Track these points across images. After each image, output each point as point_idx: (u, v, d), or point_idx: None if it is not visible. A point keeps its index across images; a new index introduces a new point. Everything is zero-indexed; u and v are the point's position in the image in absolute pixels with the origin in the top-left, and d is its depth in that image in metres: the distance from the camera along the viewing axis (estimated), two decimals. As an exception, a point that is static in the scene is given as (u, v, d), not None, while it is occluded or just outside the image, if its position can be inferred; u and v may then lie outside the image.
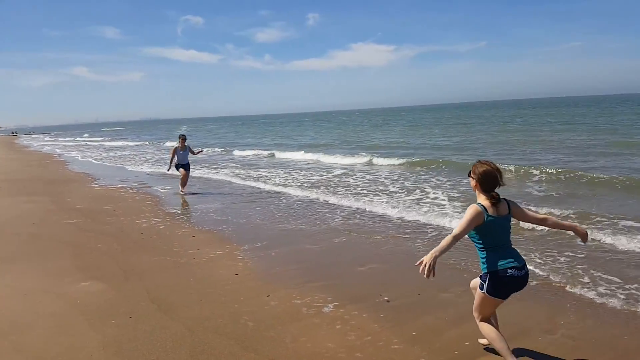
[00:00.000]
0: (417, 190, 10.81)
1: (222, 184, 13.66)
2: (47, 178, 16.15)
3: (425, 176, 13.27)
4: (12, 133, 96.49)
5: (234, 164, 19.66)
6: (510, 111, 71.07)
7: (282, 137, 41.53)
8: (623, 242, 6.02)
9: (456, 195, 9.78)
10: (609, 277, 4.97)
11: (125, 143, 42.19)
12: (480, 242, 3.14)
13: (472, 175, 3.19)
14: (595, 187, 10.02)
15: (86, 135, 71.17)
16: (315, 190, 11.53)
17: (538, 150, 18.34)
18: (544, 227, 6.81)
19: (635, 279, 4.91)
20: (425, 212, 8.48)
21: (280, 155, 22.52)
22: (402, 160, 16.46)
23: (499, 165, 3.18)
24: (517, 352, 3.43)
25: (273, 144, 32.81)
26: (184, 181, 11.82)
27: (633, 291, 4.60)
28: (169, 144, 36.31)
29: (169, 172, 12.60)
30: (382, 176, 13.67)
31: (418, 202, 9.52)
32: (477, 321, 3.34)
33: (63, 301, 4.76)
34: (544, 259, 5.68)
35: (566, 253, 5.84)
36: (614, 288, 4.69)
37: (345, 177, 13.77)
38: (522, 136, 25.24)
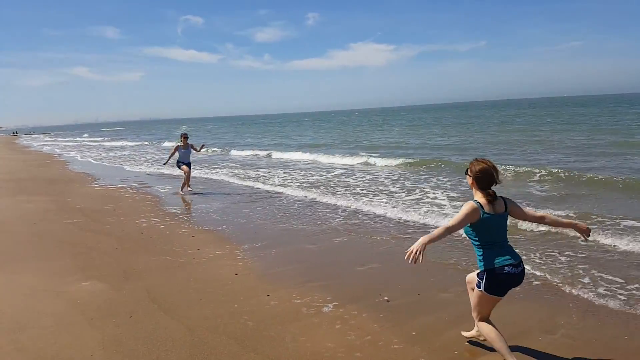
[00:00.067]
0: (417, 190, 10.82)
1: (221, 184, 13.66)
2: (47, 178, 16.16)
3: (425, 176, 13.27)
4: (13, 133, 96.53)
5: (234, 164, 19.67)
6: (510, 111, 71.10)
7: (282, 137, 41.55)
8: (624, 243, 6.02)
9: (456, 195, 9.78)
10: (610, 278, 4.97)
11: (125, 143, 42.19)
12: (477, 239, 3.17)
13: (469, 173, 3.23)
14: (596, 187, 10.02)
15: (85, 135, 71.19)
16: (314, 190, 11.53)
17: (538, 150, 18.35)
18: (544, 228, 6.83)
19: (636, 279, 4.91)
20: (425, 212, 8.49)
21: (279, 155, 22.51)
22: (402, 160, 16.45)
23: (495, 164, 3.20)
24: (517, 352, 3.43)
25: (272, 143, 32.81)
26: (187, 179, 11.82)
27: (634, 292, 4.60)
28: (167, 144, 36.31)
29: (165, 165, 12.68)
30: (382, 176, 13.67)
31: (418, 202, 9.52)
32: (476, 321, 3.35)
33: (63, 300, 4.77)
34: (545, 259, 5.69)
35: (567, 253, 5.84)
36: (614, 288, 4.70)
37: (345, 177, 13.78)
38: (523, 136, 25.24)
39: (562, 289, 4.77)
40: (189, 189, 11.80)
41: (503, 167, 12.79)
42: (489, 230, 3.13)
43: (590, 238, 6.18)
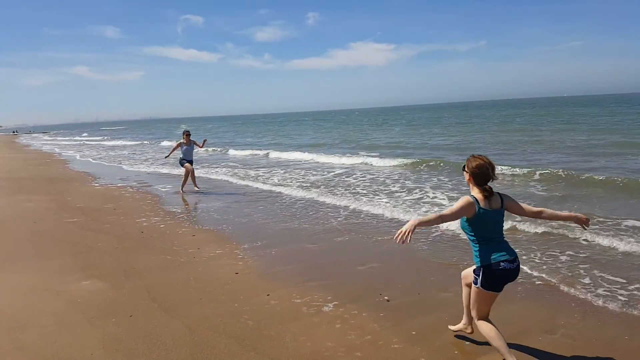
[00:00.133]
0: (418, 190, 10.82)
1: (221, 183, 13.66)
2: (47, 177, 16.15)
3: (426, 176, 13.27)
4: (13, 132, 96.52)
5: (234, 163, 19.67)
6: (510, 110, 71.08)
7: (282, 136, 41.54)
8: (625, 243, 6.01)
9: (456, 195, 9.79)
10: (610, 278, 4.97)
11: (124, 142, 42.17)
12: (473, 234, 3.20)
13: (466, 169, 3.26)
14: (596, 187, 10.01)
15: (85, 134, 71.16)
16: (314, 189, 11.53)
17: (539, 150, 18.33)
18: (544, 228, 6.84)
19: (636, 279, 4.91)
20: (425, 212, 8.49)
21: (279, 154, 22.49)
22: (402, 160, 16.44)
23: (491, 160, 3.23)
24: (517, 351, 3.43)
25: (272, 143, 32.81)
26: (192, 177, 11.80)
27: (634, 292, 4.60)
28: (165, 143, 36.30)
29: (167, 158, 12.78)
30: (382, 176, 13.67)
31: (418, 202, 9.52)
32: (475, 320, 3.35)
33: (63, 300, 4.77)
34: (545, 259, 5.69)
35: (567, 253, 5.84)
36: (614, 289, 4.70)
37: (345, 177, 13.77)
38: (523, 136, 25.22)
39: (563, 289, 4.77)
40: (196, 188, 11.75)
41: (504, 167, 12.78)
42: (485, 225, 3.16)
43: (591, 239, 6.20)
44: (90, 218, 8.80)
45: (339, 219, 8.32)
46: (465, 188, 10.29)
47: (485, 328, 3.28)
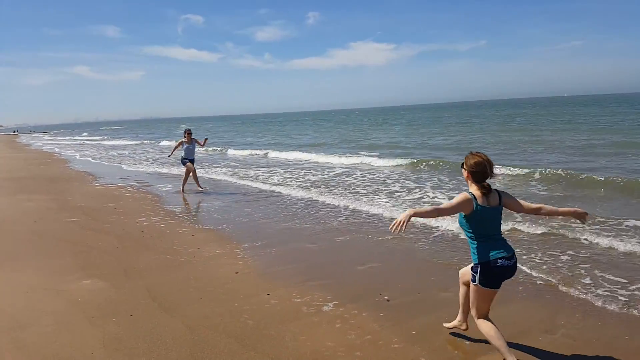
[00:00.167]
0: (418, 190, 10.82)
1: (221, 183, 13.66)
2: (48, 176, 16.16)
3: (426, 175, 13.27)
4: (14, 132, 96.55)
5: (234, 163, 19.68)
6: (510, 110, 71.05)
7: (282, 136, 41.54)
8: (625, 243, 6.00)
9: (457, 195, 9.77)
10: (611, 278, 4.97)
11: (123, 142, 42.17)
12: (471, 231, 3.22)
13: (464, 167, 3.29)
14: (597, 187, 9.99)
15: (85, 134, 71.17)
16: (314, 189, 11.53)
17: (539, 150, 18.32)
18: (544, 228, 6.84)
19: (637, 280, 4.90)
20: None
21: (279, 154, 22.50)
22: (402, 160, 16.44)
23: (490, 157, 3.24)
24: (517, 351, 3.43)
25: (273, 143, 32.81)
26: (195, 177, 11.77)
27: (635, 292, 4.60)
28: (165, 143, 36.29)
29: (170, 157, 12.77)
30: (382, 176, 13.67)
31: (419, 201, 9.53)
32: (476, 319, 3.35)
33: (64, 299, 4.77)
34: (546, 259, 5.69)
35: (568, 253, 5.84)
36: (615, 289, 4.69)
37: (346, 177, 13.77)
38: (523, 136, 25.21)
39: (563, 289, 4.76)
40: (199, 188, 11.71)
41: (504, 167, 12.78)
42: (483, 222, 3.18)
43: (592, 239, 6.19)
44: (90, 217, 8.81)
45: (339, 218, 8.32)
46: (466, 187, 10.28)
47: (485, 327, 3.28)
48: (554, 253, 5.88)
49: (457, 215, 3.29)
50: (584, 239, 6.28)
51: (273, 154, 22.67)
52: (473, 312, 3.36)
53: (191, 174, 11.75)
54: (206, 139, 12.47)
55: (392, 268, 5.60)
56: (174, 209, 9.60)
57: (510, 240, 6.35)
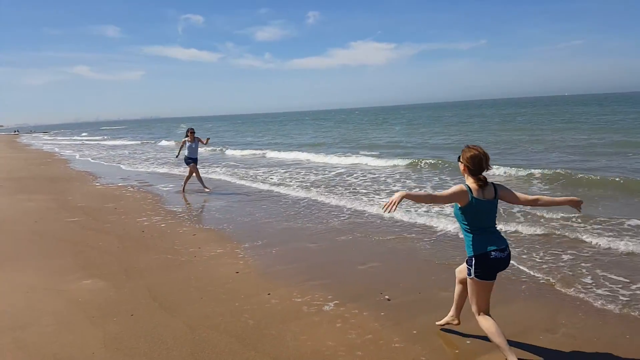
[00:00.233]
0: (418, 190, 10.81)
1: (222, 182, 13.66)
2: (48, 176, 16.17)
3: (427, 175, 13.27)
4: (15, 132, 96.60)
5: (234, 163, 19.68)
6: (510, 109, 70.99)
7: (282, 135, 41.54)
8: (627, 243, 5.98)
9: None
10: (612, 277, 4.96)
11: (123, 142, 42.16)
12: (466, 223, 3.26)
13: (460, 160, 3.32)
14: (598, 187, 9.97)
15: (84, 134, 71.18)
16: (315, 189, 11.53)
17: (540, 150, 18.30)
18: (546, 229, 6.84)
19: (638, 279, 4.89)
20: (425, 211, 8.48)
21: (279, 154, 22.49)
22: (402, 160, 16.44)
23: (486, 150, 3.28)
24: (518, 350, 3.43)
25: (273, 142, 32.81)
26: (198, 177, 11.70)
27: (636, 292, 4.59)
28: (164, 143, 36.30)
29: (177, 158, 12.64)
30: (383, 175, 13.67)
31: (419, 200, 9.52)
32: (477, 316, 3.36)
33: (64, 299, 4.77)
34: (547, 258, 5.68)
35: (569, 252, 5.84)
36: (616, 288, 4.69)
37: (346, 177, 13.77)
38: (524, 135, 25.19)
39: (564, 288, 4.76)
40: (207, 190, 11.56)
41: (505, 167, 12.78)
42: (478, 215, 3.22)
43: (593, 239, 6.18)
44: (91, 217, 8.81)
45: (340, 218, 8.32)
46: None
47: (485, 323, 3.29)
48: (555, 252, 5.87)
49: (456, 214, 3.31)
50: (585, 239, 6.27)
51: (273, 154, 22.66)
52: (474, 308, 3.36)
53: (194, 174, 11.71)
54: (208, 139, 12.45)
55: (392, 268, 5.60)
56: (175, 209, 9.60)
57: (511, 240, 6.39)
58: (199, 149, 12.17)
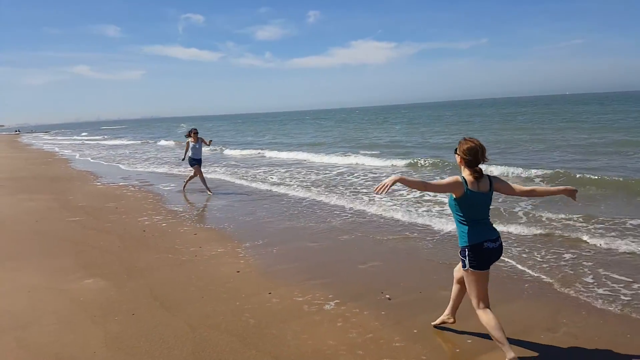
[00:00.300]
0: (418, 191, 10.80)
1: (222, 182, 13.67)
2: (49, 176, 16.18)
3: (428, 174, 13.28)
4: (16, 131, 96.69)
5: (235, 162, 19.68)
6: (511, 109, 70.91)
7: (283, 135, 41.54)
8: (628, 243, 5.97)
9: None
10: (613, 277, 4.96)
11: (122, 142, 42.16)
12: (461, 214, 3.30)
13: (457, 152, 3.35)
14: (600, 186, 9.95)
15: (84, 134, 71.20)
16: (315, 189, 11.53)
17: (541, 149, 18.28)
18: (547, 229, 6.84)
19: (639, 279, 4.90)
20: (425, 211, 8.49)
21: (280, 153, 22.46)
22: (403, 159, 16.44)
23: (482, 142, 3.30)
24: (519, 349, 3.44)
25: (273, 142, 32.80)
26: (202, 179, 11.61)
27: (637, 291, 4.59)
28: (162, 142, 36.32)
29: (183, 161, 12.23)
30: (384, 175, 13.66)
31: (419, 200, 9.52)
32: (477, 309, 3.36)
33: (66, 298, 4.78)
34: (548, 257, 5.68)
35: (570, 251, 5.84)
36: (618, 288, 4.69)
37: (347, 176, 13.77)
38: (525, 134, 25.16)
39: (565, 287, 4.76)
40: (210, 193, 11.40)
41: (506, 167, 12.77)
42: (472, 207, 3.26)
43: (594, 239, 6.18)
44: (92, 217, 8.82)
45: (341, 218, 8.32)
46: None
47: (485, 317, 3.30)
48: (557, 252, 5.87)
49: (451, 205, 3.37)
50: (587, 239, 6.26)
51: (274, 153, 22.65)
52: (474, 302, 3.37)
53: (198, 176, 11.65)
54: (211, 141, 12.42)
55: (393, 267, 5.60)
56: (176, 208, 9.60)
57: (513, 239, 6.39)
58: (203, 148, 12.12)
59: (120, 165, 19.80)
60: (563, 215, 7.40)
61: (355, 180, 12.88)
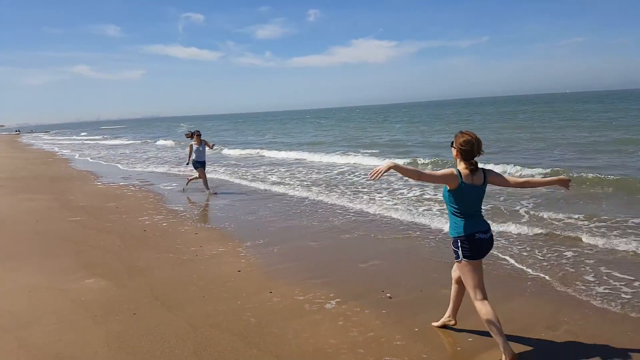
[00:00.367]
0: (419, 189, 10.80)
1: (222, 182, 13.68)
2: (49, 176, 16.19)
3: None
4: (16, 131, 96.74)
5: (235, 162, 19.69)
6: (512, 107, 70.86)
7: (283, 134, 41.53)
8: (629, 242, 5.97)
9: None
10: (614, 275, 4.96)
11: (122, 142, 42.17)
12: (455, 206, 3.33)
13: (453, 145, 3.38)
14: (601, 186, 9.94)
15: (84, 133, 71.21)
16: (316, 188, 11.54)
17: (542, 148, 18.26)
18: (548, 228, 6.84)
19: None
20: (426, 210, 8.49)
21: (280, 153, 22.46)
22: (403, 158, 16.44)
23: (478, 135, 3.33)
24: (519, 347, 3.44)
25: (273, 141, 32.80)
26: (204, 181, 11.55)
27: (638, 290, 4.59)
28: (161, 142, 36.32)
29: (188, 165, 12.04)
30: (384, 174, 13.63)
31: (420, 199, 9.52)
32: (475, 301, 3.36)
33: (67, 298, 4.78)
34: (549, 256, 5.68)
35: (571, 250, 5.84)
36: (618, 286, 4.69)
37: (347, 175, 13.78)
38: (525, 132, 25.15)
39: (566, 286, 4.76)
40: (211, 193, 11.42)
41: (506, 166, 12.77)
42: (466, 199, 3.30)
43: (595, 237, 6.18)
44: (92, 217, 8.82)
45: (341, 217, 8.32)
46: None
47: (483, 310, 3.30)
48: (557, 250, 5.87)
49: (445, 196, 3.40)
50: (588, 237, 6.26)
51: (274, 153, 22.64)
52: (472, 294, 3.37)
53: (201, 179, 11.60)
54: (214, 144, 12.40)
55: (394, 266, 5.60)
56: (176, 208, 9.61)
57: (514, 238, 6.40)
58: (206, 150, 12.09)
59: (120, 165, 19.80)
60: (564, 214, 7.40)
61: (356, 179, 12.88)
